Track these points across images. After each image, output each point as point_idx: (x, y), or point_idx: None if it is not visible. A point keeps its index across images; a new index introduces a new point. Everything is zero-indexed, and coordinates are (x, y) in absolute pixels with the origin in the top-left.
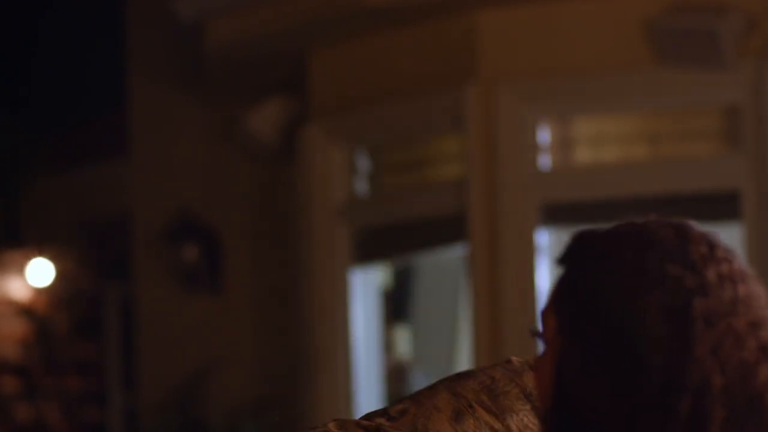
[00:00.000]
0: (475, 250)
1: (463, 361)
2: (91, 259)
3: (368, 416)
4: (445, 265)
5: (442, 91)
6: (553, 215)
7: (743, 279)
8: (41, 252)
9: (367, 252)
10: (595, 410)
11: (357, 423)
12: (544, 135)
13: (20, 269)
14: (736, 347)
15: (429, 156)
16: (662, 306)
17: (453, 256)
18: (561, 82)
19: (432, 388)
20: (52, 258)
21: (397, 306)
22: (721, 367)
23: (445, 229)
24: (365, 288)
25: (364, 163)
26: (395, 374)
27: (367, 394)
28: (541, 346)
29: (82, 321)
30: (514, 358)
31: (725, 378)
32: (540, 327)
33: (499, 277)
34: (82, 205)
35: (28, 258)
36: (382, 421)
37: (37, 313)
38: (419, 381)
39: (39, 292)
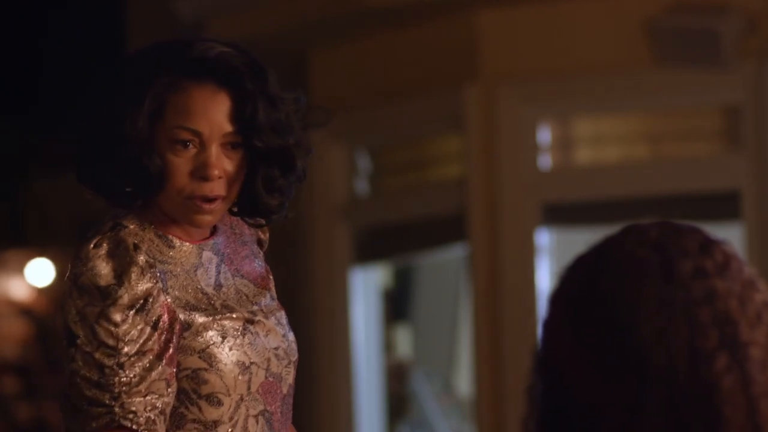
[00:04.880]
0: (475, 250)
1: (463, 361)
2: None
3: None
4: (445, 265)
5: (442, 91)
6: (554, 215)
7: (721, 274)
8: (41, 252)
9: (367, 252)
10: (592, 406)
11: None
12: (544, 135)
13: (20, 269)
14: (697, 336)
15: (429, 156)
16: (656, 298)
17: (453, 256)
18: (561, 82)
19: None
20: (52, 258)
21: (397, 306)
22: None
23: (445, 229)
24: (365, 288)
25: (364, 163)
26: (395, 374)
27: (367, 394)
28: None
29: None
30: None
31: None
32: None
33: (499, 277)
34: (82, 205)
35: (29, 258)
36: None
37: (38, 313)
38: (419, 381)
39: (39, 292)
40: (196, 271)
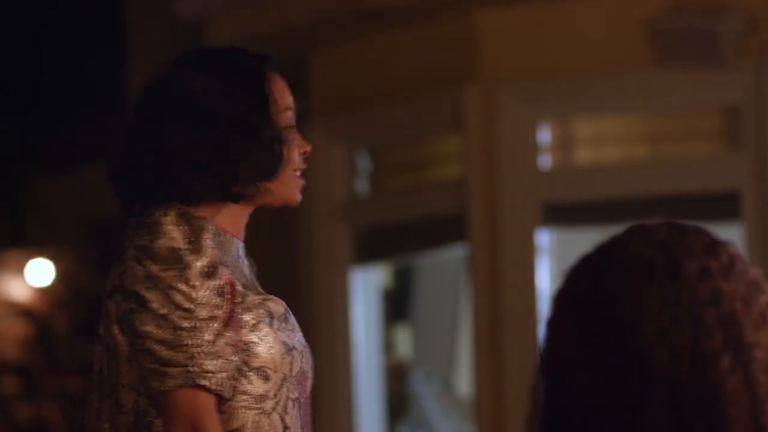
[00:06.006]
0: (475, 250)
1: (463, 361)
2: (91, 259)
3: None
4: (445, 265)
5: (442, 91)
6: (554, 215)
7: (726, 275)
8: (41, 252)
9: (367, 252)
10: (594, 406)
11: None
12: (544, 135)
13: (20, 269)
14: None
15: (429, 156)
16: (660, 298)
17: (453, 256)
18: (561, 83)
19: None
20: (52, 258)
21: (397, 306)
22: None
23: (445, 229)
24: (365, 288)
25: (364, 163)
26: (395, 374)
27: (367, 394)
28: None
29: (82, 321)
30: None
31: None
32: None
33: (499, 277)
34: (83, 205)
35: (28, 258)
36: None
37: (37, 313)
38: (419, 381)
39: (39, 292)
40: (237, 260)
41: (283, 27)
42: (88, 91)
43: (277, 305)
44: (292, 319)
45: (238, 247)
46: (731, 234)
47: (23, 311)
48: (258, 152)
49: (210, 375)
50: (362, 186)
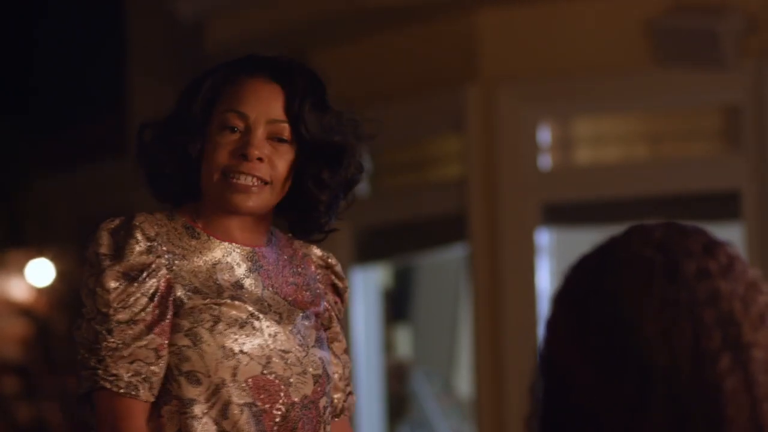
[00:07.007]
0: (475, 250)
1: (463, 361)
2: None
3: None
4: (445, 265)
5: (442, 91)
6: (554, 215)
7: (724, 275)
8: (41, 252)
9: (367, 252)
10: (594, 406)
11: None
12: (544, 135)
13: (20, 269)
14: (702, 336)
15: (429, 156)
16: (660, 299)
17: (453, 256)
18: (561, 82)
19: None
20: (52, 258)
21: (397, 306)
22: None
23: (445, 229)
24: (365, 288)
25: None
26: (395, 374)
27: (367, 394)
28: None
29: None
30: None
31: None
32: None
33: (499, 277)
34: (82, 205)
35: (29, 258)
36: None
37: (37, 313)
38: (419, 381)
39: (39, 292)
40: (215, 265)
41: (283, 27)
42: (88, 91)
43: (236, 311)
44: (264, 324)
45: (232, 252)
46: (731, 234)
47: (23, 311)
48: (171, 151)
49: (114, 378)
50: (362, 186)
